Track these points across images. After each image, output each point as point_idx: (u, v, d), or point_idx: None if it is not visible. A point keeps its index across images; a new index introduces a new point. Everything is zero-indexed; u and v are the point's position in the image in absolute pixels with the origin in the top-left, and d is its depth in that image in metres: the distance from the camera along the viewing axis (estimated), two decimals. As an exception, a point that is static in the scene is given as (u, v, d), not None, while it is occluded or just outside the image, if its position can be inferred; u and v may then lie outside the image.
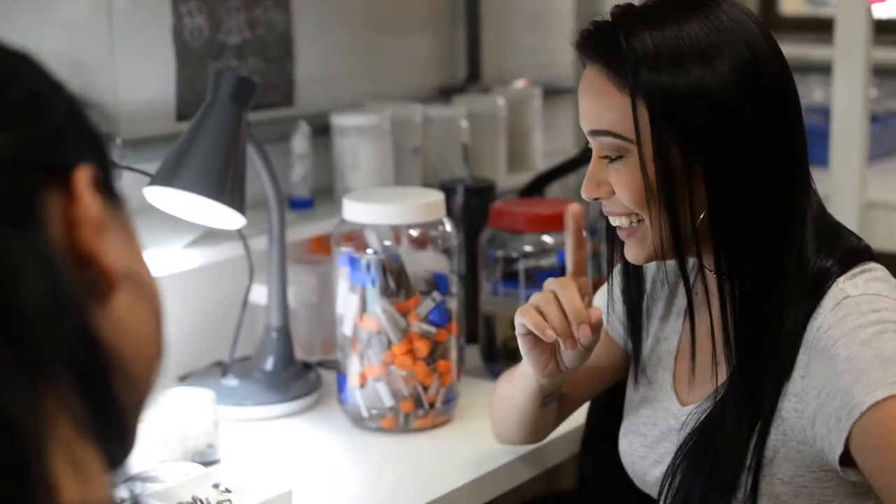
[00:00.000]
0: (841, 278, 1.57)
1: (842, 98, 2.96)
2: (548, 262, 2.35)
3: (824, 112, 3.18)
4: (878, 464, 1.51)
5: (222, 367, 2.30)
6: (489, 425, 2.16)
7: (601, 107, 1.59)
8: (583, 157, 2.87)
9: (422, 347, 2.10)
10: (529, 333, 1.73)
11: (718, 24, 1.57)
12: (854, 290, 1.56)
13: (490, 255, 2.39)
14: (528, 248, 2.35)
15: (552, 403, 1.91)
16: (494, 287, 2.38)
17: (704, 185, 1.57)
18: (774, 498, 1.60)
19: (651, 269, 1.82)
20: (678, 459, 1.67)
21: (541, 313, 1.70)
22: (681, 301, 1.79)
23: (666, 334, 1.81)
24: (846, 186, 2.96)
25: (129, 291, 0.83)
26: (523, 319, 1.72)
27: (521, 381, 1.87)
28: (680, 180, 1.56)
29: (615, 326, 1.91)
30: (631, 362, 1.87)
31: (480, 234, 2.43)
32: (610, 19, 1.61)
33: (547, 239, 2.36)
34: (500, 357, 2.39)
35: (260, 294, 2.33)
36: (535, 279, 2.34)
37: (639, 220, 1.61)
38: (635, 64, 1.54)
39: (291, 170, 2.56)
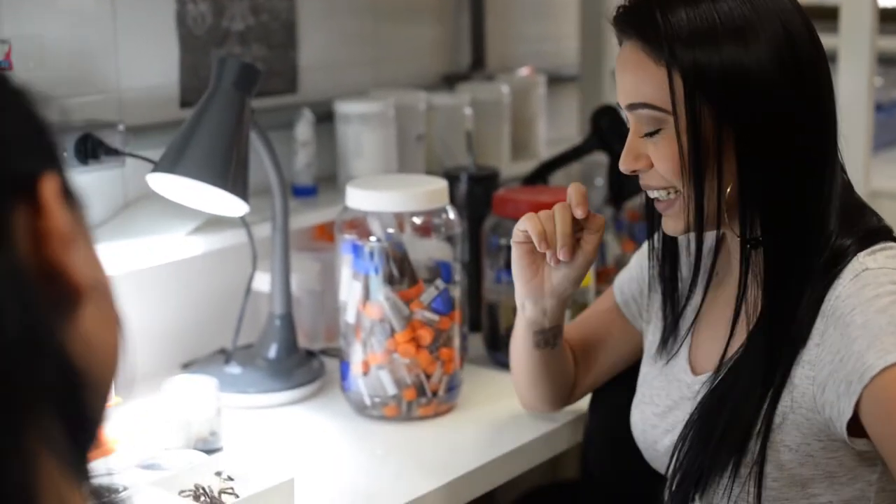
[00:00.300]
0: (861, 253, 1.61)
1: (847, 87, 2.95)
2: (551, 250, 2.34)
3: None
4: (886, 429, 1.53)
5: (225, 355, 2.30)
6: (492, 413, 2.17)
7: (638, 80, 1.63)
8: (586, 146, 2.88)
9: (425, 335, 2.10)
10: (524, 242, 1.85)
11: (760, 4, 1.61)
12: (874, 263, 1.59)
13: (493, 242, 2.38)
14: (531, 237, 2.33)
15: (547, 348, 1.96)
16: (498, 275, 2.38)
17: (735, 157, 1.61)
18: (780, 466, 1.62)
19: (682, 242, 1.85)
20: (689, 426, 1.71)
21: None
22: (700, 280, 1.81)
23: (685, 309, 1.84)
24: (851, 175, 2.94)
25: (95, 302, 0.80)
26: (526, 225, 1.83)
27: (517, 328, 1.98)
28: (712, 151, 1.61)
29: (630, 307, 1.99)
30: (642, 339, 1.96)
31: (484, 222, 2.42)
32: None
33: (550, 227, 2.34)
34: (503, 345, 2.37)
35: (263, 282, 2.32)
36: (539, 267, 2.33)
37: (676, 192, 1.65)
38: (671, 38, 1.59)
39: (295, 157, 2.55)
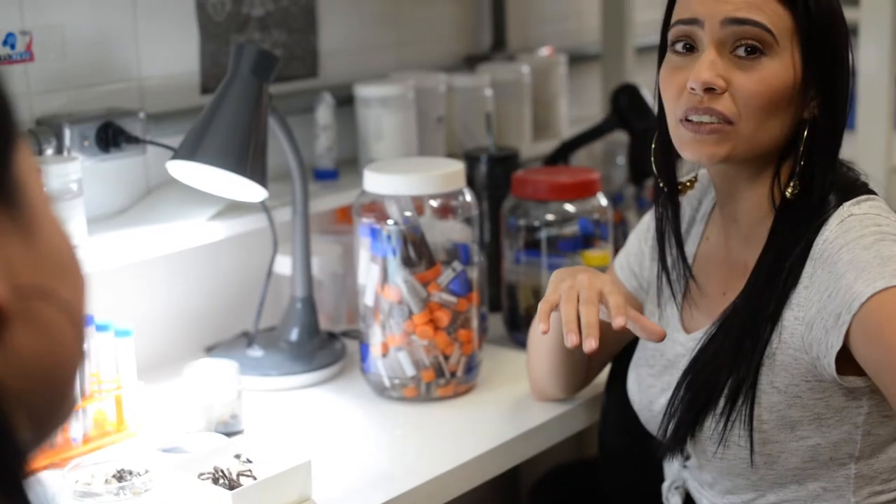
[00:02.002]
0: (846, 203, 1.67)
1: (868, 61, 2.95)
2: (570, 230, 2.36)
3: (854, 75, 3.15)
4: (877, 352, 1.57)
5: (248, 338, 2.33)
6: (511, 393, 2.19)
7: (753, 1, 1.65)
8: (606, 125, 2.89)
9: (443, 317, 2.12)
10: (551, 309, 1.79)
11: None
12: (858, 210, 1.66)
13: (512, 223, 2.40)
14: (550, 217, 2.36)
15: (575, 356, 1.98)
16: (517, 256, 2.39)
17: (805, 111, 1.68)
18: (770, 407, 1.68)
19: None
20: (683, 377, 1.76)
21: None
22: (690, 244, 1.89)
23: (679, 272, 1.87)
24: (873, 150, 2.95)
25: (28, 313, 0.75)
26: (564, 309, 1.75)
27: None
28: (800, 94, 1.67)
29: (631, 282, 2.02)
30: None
31: (503, 203, 2.44)
32: None
33: (569, 207, 2.36)
34: (522, 325, 2.40)
35: (285, 265, 2.35)
36: (558, 248, 2.36)
37: (725, 122, 1.66)
38: None
39: (316, 141, 2.57)
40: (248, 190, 2.12)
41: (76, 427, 1.95)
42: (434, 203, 2.14)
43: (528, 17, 3.28)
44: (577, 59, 3.35)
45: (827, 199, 1.69)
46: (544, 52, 3.21)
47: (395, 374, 2.14)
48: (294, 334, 2.30)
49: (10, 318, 0.72)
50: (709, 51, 1.66)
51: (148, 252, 2.22)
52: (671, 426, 1.76)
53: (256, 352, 2.28)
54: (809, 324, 1.63)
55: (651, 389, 1.87)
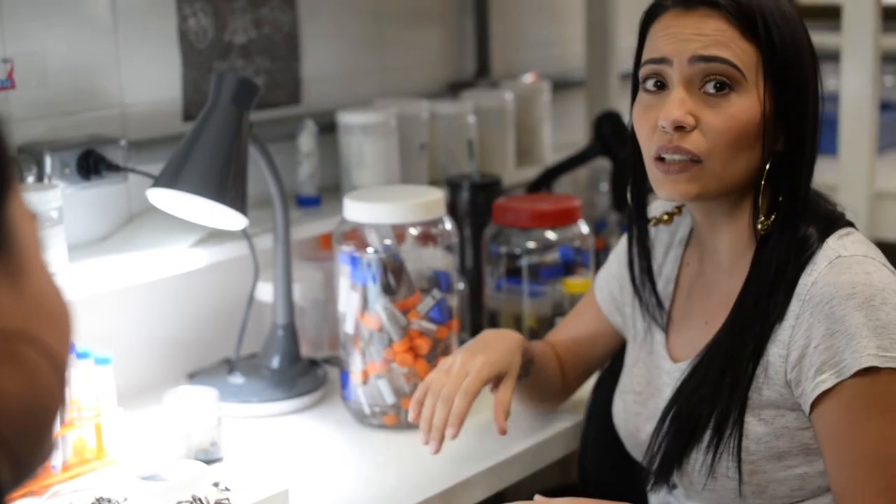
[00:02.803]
0: (829, 239, 1.69)
1: (850, 86, 2.96)
2: (551, 257, 2.37)
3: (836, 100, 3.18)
4: (834, 425, 1.63)
5: (229, 365, 2.33)
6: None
7: (720, 40, 1.67)
8: (589, 152, 2.90)
9: (422, 345, 2.12)
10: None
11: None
12: (845, 250, 1.67)
13: (494, 251, 2.40)
14: (531, 245, 2.37)
15: (528, 377, 2.01)
16: (498, 283, 2.40)
17: (776, 142, 1.70)
18: (757, 439, 1.70)
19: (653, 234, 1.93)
20: (669, 408, 1.77)
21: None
22: (669, 267, 1.92)
23: (659, 298, 1.90)
24: (855, 176, 2.96)
25: (10, 359, 0.76)
26: (426, 404, 1.88)
27: None
28: (767, 128, 1.68)
29: (608, 305, 2.04)
30: (622, 334, 2.03)
31: (484, 231, 2.44)
32: None
33: (550, 235, 2.38)
34: (504, 352, 2.40)
35: (267, 292, 2.36)
36: (539, 275, 2.37)
37: (694, 161, 1.68)
38: (766, 20, 1.66)
39: (298, 168, 2.58)
40: (229, 218, 2.12)
41: (55, 455, 1.95)
42: (414, 231, 2.15)
43: (513, 43, 3.29)
44: (562, 86, 3.36)
45: (807, 233, 1.70)
46: (528, 78, 3.22)
47: (375, 401, 2.15)
48: (275, 361, 2.31)
49: None
50: (678, 89, 1.68)
51: (129, 279, 2.23)
52: (658, 457, 1.77)
53: (238, 379, 2.28)
54: (793, 365, 1.66)
55: (637, 417, 1.88)
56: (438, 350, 2.14)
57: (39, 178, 2.14)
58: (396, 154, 2.65)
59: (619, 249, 2.04)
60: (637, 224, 1.89)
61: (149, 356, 2.37)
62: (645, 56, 1.73)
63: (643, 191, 1.84)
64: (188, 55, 2.44)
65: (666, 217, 1.86)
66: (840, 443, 1.64)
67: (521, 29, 3.33)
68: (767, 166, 1.70)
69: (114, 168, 2.22)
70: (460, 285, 2.31)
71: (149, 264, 2.24)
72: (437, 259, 2.18)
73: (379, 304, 2.11)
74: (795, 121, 1.70)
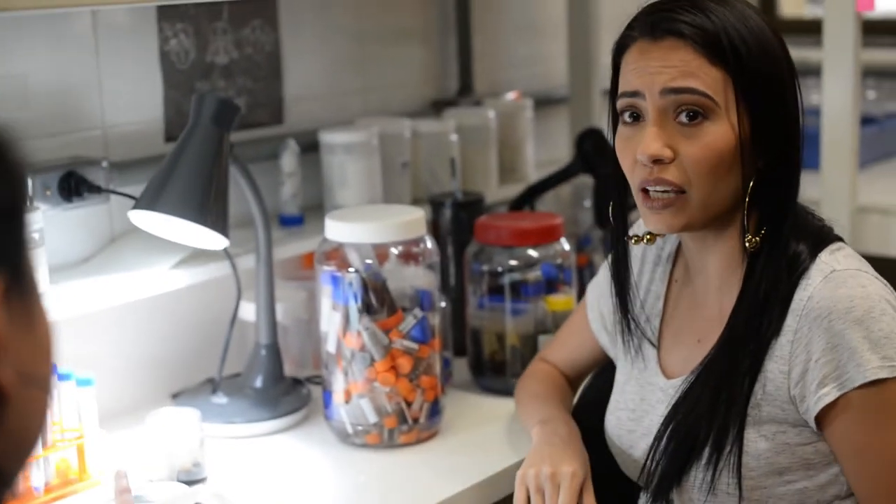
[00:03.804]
0: (822, 254, 1.71)
1: (831, 100, 2.97)
2: (533, 275, 2.37)
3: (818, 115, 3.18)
4: (850, 440, 1.66)
5: (213, 385, 2.33)
6: (475, 438, 2.21)
7: (688, 70, 1.68)
8: (571, 169, 2.90)
9: (404, 364, 2.13)
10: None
11: (755, 10, 1.74)
12: (838, 264, 1.69)
13: (476, 269, 2.41)
14: (513, 262, 2.37)
15: None
16: (480, 301, 2.41)
17: (760, 159, 1.70)
18: (757, 455, 1.70)
19: (636, 251, 1.95)
20: (665, 426, 1.78)
21: None
22: (657, 284, 1.93)
23: (648, 314, 1.92)
24: (837, 190, 2.97)
25: (22, 397, 0.80)
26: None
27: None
28: (745, 152, 1.69)
29: (596, 323, 2.07)
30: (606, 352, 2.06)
31: (466, 249, 2.45)
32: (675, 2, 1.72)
33: (532, 253, 2.38)
34: (487, 370, 2.41)
35: (250, 311, 2.36)
36: (521, 293, 2.37)
37: (677, 192, 1.69)
38: (732, 42, 1.67)
39: (281, 187, 2.59)
40: (210, 238, 2.13)
41: (38, 476, 1.95)
42: (395, 250, 2.15)
43: (495, 61, 3.30)
44: (545, 103, 3.37)
45: (798, 249, 1.72)
46: (511, 96, 3.23)
47: (357, 420, 2.15)
48: (259, 381, 2.31)
49: (10, 401, 0.77)
50: (652, 122, 1.69)
51: (111, 300, 2.23)
52: (656, 475, 1.78)
53: (221, 399, 2.28)
54: (796, 380, 1.67)
55: (632, 434, 1.88)
56: (420, 369, 2.15)
57: (21, 200, 2.14)
58: (379, 173, 2.66)
59: (609, 268, 2.04)
60: (619, 243, 1.90)
61: (132, 377, 2.37)
62: (620, 89, 1.75)
63: (625, 209, 1.85)
64: (170, 76, 2.45)
65: (649, 236, 1.86)
66: (860, 455, 1.66)
67: (503, 47, 3.34)
68: (751, 185, 1.70)
69: (95, 189, 2.23)
70: (442, 304, 2.31)
71: (131, 285, 2.25)
72: (419, 278, 2.18)
73: (360, 323, 2.11)
74: (775, 138, 1.70)
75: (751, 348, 1.70)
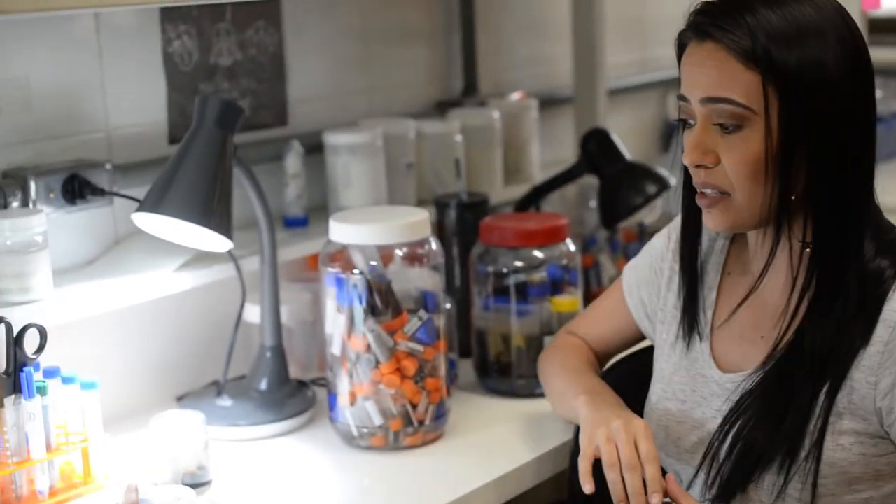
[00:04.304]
0: None
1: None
2: (538, 276, 2.37)
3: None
4: None
5: (217, 387, 2.32)
6: (480, 440, 2.20)
7: (723, 77, 1.68)
8: (576, 170, 2.90)
9: (409, 366, 2.12)
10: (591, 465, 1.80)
11: (820, 4, 1.70)
12: None
13: (481, 270, 2.40)
14: (518, 264, 2.37)
15: None
16: (486, 302, 2.40)
17: (806, 161, 1.67)
18: (832, 464, 1.69)
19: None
20: (729, 422, 1.76)
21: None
22: (711, 275, 1.92)
23: (702, 305, 1.91)
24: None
25: None
26: (609, 477, 1.77)
27: (571, 413, 1.98)
28: (788, 156, 1.67)
29: (638, 310, 2.06)
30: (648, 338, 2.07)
31: (472, 250, 2.44)
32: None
33: (537, 254, 2.37)
34: (492, 372, 2.41)
35: (255, 314, 2.35)
36: (526, 294, 2.37)
37: (722, 193, 1.71)
38: (766, 47, 1.65)
39: (285, 189, 2.58)
40: (214, 241, 2.12)
41: (42, 480, 1.94)
42: (400, 252, 2.14)
43: (500, 61, 3.29)
44: (550, 103, 3.36)
45: (881, 262, 1.70)
46: (515, 96, 3.22)
47: (362, 423, 2.14)
48: (263, 383, 2.30)
49: None
50: (697, 128, 1.72)
51: (116, 303, 2.23)
52: (720, 476, 1.76)
53: (226, 401, 2.28)
54: (884, 392, 1.67)
55: (681, 425, 1.87)
56: (426, 371, 2.14)
57: (24, 202, 2.14)
58: (383, 174, 2.65)
59: (654, 255, 2.04)
60: (692, 236, 1.91)
61: (137, 380, 2.37)
62: (680, 91, 1.77)
63: (696, 208, 1.84)
64: (173, 78, 2.44)
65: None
66: None
67: (508, 47, 3.33)
68: (801, 187, 1.69)
69: (99, 192, 2.23)
70: (447, 305, 2.30)
71: (135, 288, 2.24)
72: (424, 279, 2.18)
73: (365, 325, 2.11)
74: (823, 136, 1.67)
75: (835, 356, 1.69)
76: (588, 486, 1.77)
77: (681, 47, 1.78)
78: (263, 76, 2.62)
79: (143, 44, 2.40)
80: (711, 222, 1.76)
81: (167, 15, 2.42)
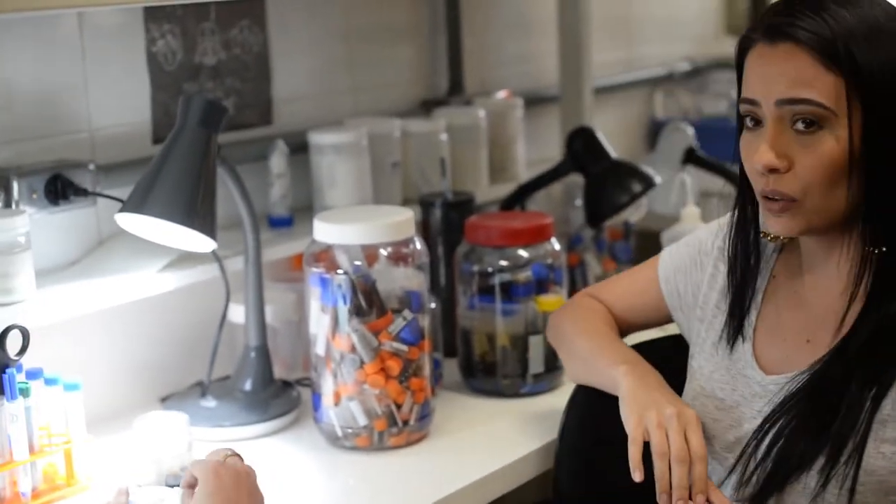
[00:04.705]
0: None
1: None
2: (524, 275, 2.36)
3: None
4: None
5: (202, 388, 2.32)
6: (465, 440, 2.20)
7: (804, 78, 1.66)
8: (562, 168, 2.89)
9: (394, 366, 2.11)
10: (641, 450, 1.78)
11: (885, 6, 1.70)
12: None
13: (466, 269, 2.40)
14: (503, 263, 2.36)
15: None
16: (471, 302, 2.39)
17: (887, 165, 1.67)
18: (871, 471, 1.67)
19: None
20: (770, 425, 1.74)
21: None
22: (758, 279, 1.89)
23: (749, 308, 1.89)
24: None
25: None
26: (658, 465, 1.76)
27: (605, 380, 1.97)
28: (867, 158, 1.66)
29: (673, 300, 2.04)
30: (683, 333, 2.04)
31: (457, 249, 2.44)
32: (800, 1, 1.69)
33: (522, 253, 2.37)
34: (477, 371, 2.40)
35: (239, 314, 2.35)
36: (511, 293, 2.36)
37: (790, 200, 1.69)
38: (848, 44, 1.64)
39: (270, 189, 2.57)
40: (198, 241, 2.11)
41: (25, 482, 1.94)
42: (384, 251, 2.14)
43: (486, 60, 3.29)
44: (536, 102, 3.35)
45: None
46: (501, 95, 3.22)
47: (347, 423, 2.14)
48: (248, 384, 2.30)
49: None
50: (768, 130, 1.69)
51: (99, 304, 2.22)
52: (758, 474, 1.75)
53: (210, 402, 2.27)
54: None
55: (718, 424, 1.85)
56: (410, 371, 2.14)
57: (7, 203, 2.13)
58: (369, 173, 2.65)
59: (702, 247, 2.01)
60: (747, 242, 1.88)
61: (121, 381, 2.36)
62: (742, 94, 1.74)
63: (754, 211, 1.84)
64: (157, 77, 2.44)
65: (772, 235, 1.85)
66: None
67: (493, 45, 3.32)
68: (871, 192, 1.68)
69: (82, 192, 2.22)
70: (432, 305, 2.30)
71: (119, 288, 2.24)
72: (409, 279, 2.17)
73: (350, 325, 2.10)
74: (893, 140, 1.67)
75: (881, 360, 1.67)
76: (638, 474, 1.76)
77: (743, 50, 1.75)
78: (248, 76, 2.62)
79: (127, 43, 2.39)
80: (780, 227, 1.73)
81: (151, 14, 2.41)
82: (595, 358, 2.01)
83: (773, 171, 1.68)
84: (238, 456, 1.73)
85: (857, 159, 1.66)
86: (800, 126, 1.67)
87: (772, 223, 1.74)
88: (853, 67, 1.64)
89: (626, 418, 1.83)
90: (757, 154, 1.69)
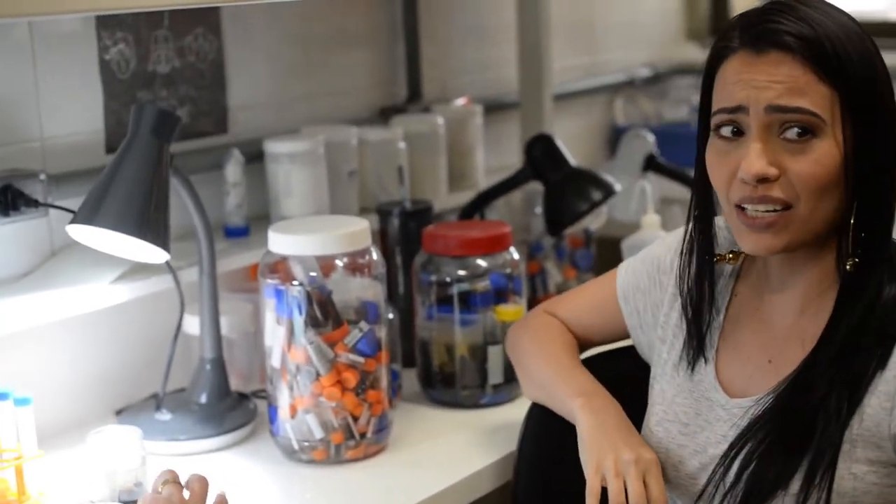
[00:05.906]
0: None
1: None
2: (482, 285, 2.34)
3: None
4: None
5: (156, 401, 2.28)
6: (424, 452, 2.18)
7: (796, 86, 1.63)
8: (521, 176, 2.87)
9: (350, 378, 2.09)
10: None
11: (849, 15, 1.69)
12: None
13: (424, 279, 2.37)
14: (461, 273, 2.34)
15: None
16: (429, 312, 2.37)
17: (864, 178, 1.65)
18: (843, 493, 1.64)
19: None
20: (736, 448, 1.71)
21: None
22: (718, 298, 1.85)
23: (710, 329, 1.86)
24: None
25: None
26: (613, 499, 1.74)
27: (562, 409, 1.94)
28: (853, 169, 1.64)
29: (632, 316, 2.00)
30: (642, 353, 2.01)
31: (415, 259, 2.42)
32: (778, 9, 1.67)
33: (480, 262, 2.35)
34: (437, 382, 2.38)
35: (194, 325, 2.32)
36: (469, 303, 2.34)
37: (784, 209, 1.65)
38: (837, 52, 1.62)
39: (226, 198, 2.54)
40: (151, 252, 2.08)
41: (-25, 499, 1.91)
42: (340, 262, 2.11)
43: (445, 67, 3.27)
44: (496, 109, 3.33)
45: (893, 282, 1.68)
46: (460, 102, 3.20)
47: (303, 436, 2.11)
48: (203, 396, 2.27)
49: None
50: (755, 138, 1.65)
51: (51, 316, 2.19)
52: (728, 501, 1.71)
53: (165, 415, 2.24)
54: None
55: (682, 449, 1.82)
56: (367, 383, 2.11)
57: (-44, 215, 2.10)
58: (325, 182, 2.62)
59: (653, 263, 1.98)
60: (703, 261, 1.84)
61: (74, 394, 2.32)
62: (718, 103, 1.69)
63: (711, 226, 1.82)
64: (110, 86, 2.40)
65: (731, 256, 1.83)
66: None
67: (452, 52, 3.30)
68: (856, 205, 1.66)
69: (33, 203, 2.19)
70: (390, 315, 2.27)
71: (71, 300, 2.21)
72: (365, 289, 2.15)
73: (305, 337, 2.07)
74: (882, 154, 1.66)
75: (848, 379, 1.65)
76: None
77: (718, 59, 1.70)
78: (203, 83, 2.58)
79: (79, 51, 2.36)
80: (761, 244, 1.68)
81: (103, 22, 2.37)
82: (552, 385, 1.98)
83: (762, 180, 1.64)
84: (178, 483, 1.70)
85: (843, 171, 1.64)
86: (791, 134, 1.63)
87: (750, 241, 1.69)
88: (844, 77, 1.62)
89: (584, 463, 1.80)
90: (745, 162, 1.64)
